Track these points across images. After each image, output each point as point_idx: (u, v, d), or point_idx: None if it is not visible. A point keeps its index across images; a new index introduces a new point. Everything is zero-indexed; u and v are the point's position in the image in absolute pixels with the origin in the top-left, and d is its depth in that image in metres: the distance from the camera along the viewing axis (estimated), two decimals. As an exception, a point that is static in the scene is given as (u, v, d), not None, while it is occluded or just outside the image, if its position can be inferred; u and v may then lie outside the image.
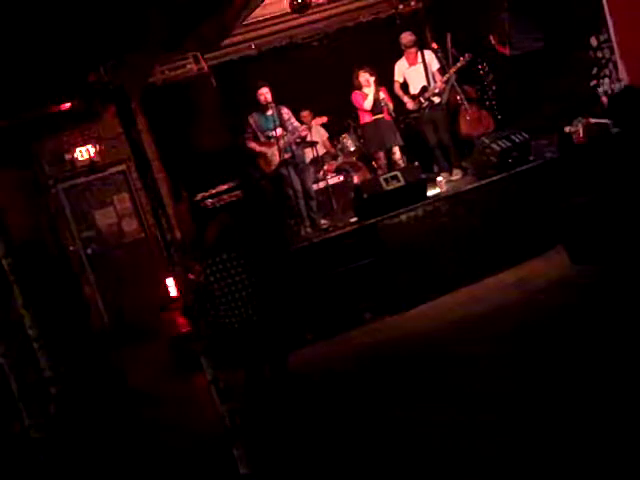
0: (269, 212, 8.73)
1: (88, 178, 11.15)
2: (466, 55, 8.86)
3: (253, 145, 8.71)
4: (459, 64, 8.88)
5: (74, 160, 10.99)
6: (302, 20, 10.03)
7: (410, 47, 9.08)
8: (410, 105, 9.13)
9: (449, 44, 9.10)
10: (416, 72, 9.10)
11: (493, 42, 9.33)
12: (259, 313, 5.28)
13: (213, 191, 9.06)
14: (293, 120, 8.73)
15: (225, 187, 9.08)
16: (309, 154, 9.45)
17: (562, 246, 6.72)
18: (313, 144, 9.05)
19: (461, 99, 9.33)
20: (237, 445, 3.64)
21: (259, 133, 8.65)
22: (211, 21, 8.31)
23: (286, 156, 8.51)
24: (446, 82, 8.93)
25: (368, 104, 9.03)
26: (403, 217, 7.42)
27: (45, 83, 7.87)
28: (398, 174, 7.80)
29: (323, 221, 8.64)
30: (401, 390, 5.18)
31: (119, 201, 11.35)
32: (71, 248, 10.64)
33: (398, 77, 9.22)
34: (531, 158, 7.96)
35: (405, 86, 9.23)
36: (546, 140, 8.34)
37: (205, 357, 3.64)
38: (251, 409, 5.11)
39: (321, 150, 9.78)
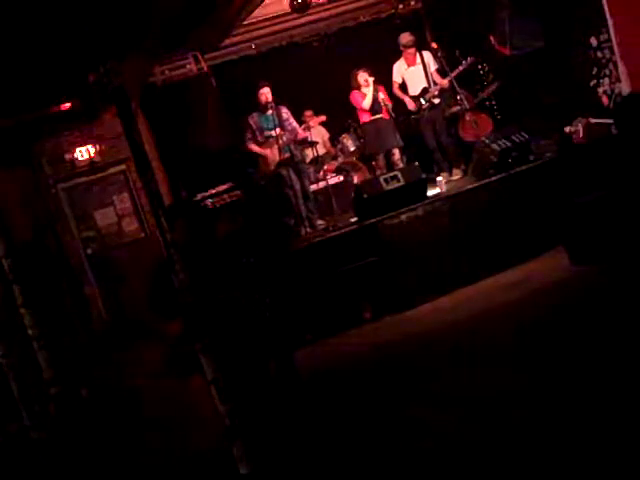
0: (269, 212, 8.73)
1: (88, 178, 11.14)
2: (468, 59, 8.85)
3: (253, 147, 8.71)
4: (461, 67, 8.88)
5: (74, 160, 10.99)
6: (302, 20, 10.03)
7: (409, 47, 9.08)
8: (410, 105, 9.13)
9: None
10: (415, 73, 9.10)
11: (493, 42, 9.33)
12: (261, 312, 5.29)
13: (213, 191, 9.05)
14: (292, 120, 8.73)
15: (225, 187, 9.08)
16: (309, 154, 9.45)
17: (562, 246, 6.72)
18: (313, 144, 9.05)
19: (461, 102, 9.32)
20: (237, 445, 3.65)
21: (258, 133, 8.65)
22: (211, 21, 8.31)
23: (285, 156, 8.51)
24: (447, 84, 8.95)
25: (367, 104, 9.04)
26: (403, 217, 7.41)
27: (45, 83, 7.89)
28: (398, 174, 7.80)
29: (320, 222, 8.64)
30: (400, 390, 5.18)
31: (119, 201, 11.35)
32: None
33: (396, 78, 9.23)
34: (531, 158, 7.95)
35: (404, 87, 9.24)
36: (546, 140, 8.34)
37: (205, 357, 3.64)
38: (253, 408, 5.11)
39: (321, 150, 9.78)
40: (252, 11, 8.86)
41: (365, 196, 7.65)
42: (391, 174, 7.87)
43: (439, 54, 9.11)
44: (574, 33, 8.67)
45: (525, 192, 7.58)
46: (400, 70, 9.21)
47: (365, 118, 9.21)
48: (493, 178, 7.72)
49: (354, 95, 9.17)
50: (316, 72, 10.34)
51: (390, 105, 9.15)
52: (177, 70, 9.74)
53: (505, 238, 7.44)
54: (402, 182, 7.69)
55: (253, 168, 9.06)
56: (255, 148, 8.68)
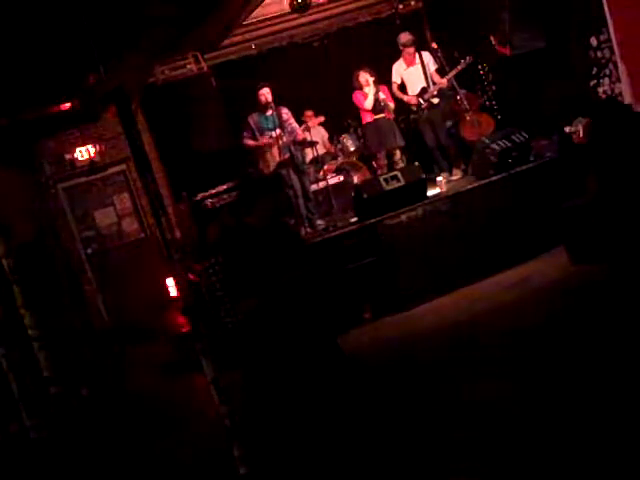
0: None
1: (88, 178, 11.16)
2: (467, 58, 8.85)
3: (250, 142, 8.70)
4: (459, 66, 8.88)
5: (74, 160, 11.00)
6: (302, 20, 10.02)
7: (408, 46, 9.08)
8: (412, 101, 9.13)
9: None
10: (414, 73, 9.10)
11: (493, 42, 9.32)
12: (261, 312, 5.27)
13: (213, 191, 9.06)
14: (292, 121, 8.73)
15: (225, 187, 9.09)
16: (309, 154, 9.45)
17: (562, 246, 6.72)
18: (313, 144, 9.06)
19: (461, 102, 9.32)
20: (236, 445, 3.64)
21: (258, 134, 8.66)
22: (211, 21, 8.31)
23: (285, 156, 8.52)
24: (446, 84, 8.96)
25: (369, 104, 9.04)
26: (403, 217, 7.42)
27: (45, 83, 7.89)
28: (398, 174, 7.80)
29: (319, 222, 8.64)
30: (400, 390, 5.18)
31: (119, 201, 11.36)
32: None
33: (396, 78, 9.24)
34: (531, 158, 7.96)
35: (403, 87, 9.24)
36: (546, 140, 8.34)
37: (205, 357, 3.63)
38: (251, 409, 5.10)
39: (321, 150, 9.78)
40: (252, 11, 8.85)
41: (365, 196, 7.65)
42: (391, 174, 7.87)
43: (439, 54, 9.11)
44: (574, 33, 8.66)
45: (525, 192, 7.58)
46: (399, 70, 9.22)
47: (368, 118, 9.22)
48: (493, 178, 7.73)
49: (356, 95, 9.18)
50: (316, 72, 10.34)
51: (391, 105, 9.16)
52: (177, 70, 9.72)
53: (505, 238, 7.45)
54: (402, 182, 7.69)
55: (253, 168, 9.06)
56: (251, 143, 8.68)
